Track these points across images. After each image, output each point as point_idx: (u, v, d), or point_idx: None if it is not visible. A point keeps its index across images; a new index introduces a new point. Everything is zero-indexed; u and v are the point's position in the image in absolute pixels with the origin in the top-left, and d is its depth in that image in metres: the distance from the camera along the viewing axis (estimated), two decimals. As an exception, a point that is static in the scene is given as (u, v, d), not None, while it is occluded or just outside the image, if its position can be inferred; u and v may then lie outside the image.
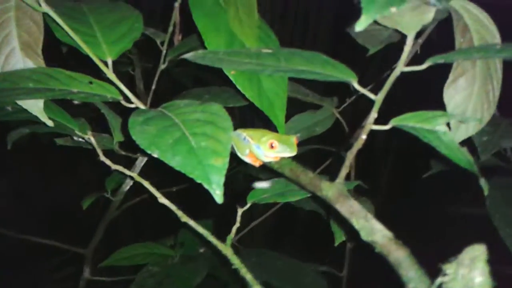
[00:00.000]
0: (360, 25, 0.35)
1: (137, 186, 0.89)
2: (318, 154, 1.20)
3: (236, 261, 0.59)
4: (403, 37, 0.55)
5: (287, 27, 1.94)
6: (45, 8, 0.49)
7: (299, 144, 0.54)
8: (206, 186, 0.41)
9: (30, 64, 0.53)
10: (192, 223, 0.61)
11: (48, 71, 0.52)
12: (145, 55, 1.03)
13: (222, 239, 0.65)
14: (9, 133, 0.68)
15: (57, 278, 1.49)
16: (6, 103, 0.56)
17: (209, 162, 0.43)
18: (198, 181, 0.42)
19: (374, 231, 0.40)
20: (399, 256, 0.37)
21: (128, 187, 0.87)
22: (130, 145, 0.78)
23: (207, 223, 1.18)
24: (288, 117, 0.89)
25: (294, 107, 1.13)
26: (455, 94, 0.56)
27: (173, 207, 0.60)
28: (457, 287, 0.29)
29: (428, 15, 0.46)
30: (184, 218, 0.60)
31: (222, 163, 0.43)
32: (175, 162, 0.43)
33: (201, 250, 1.22)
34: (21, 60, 0.52)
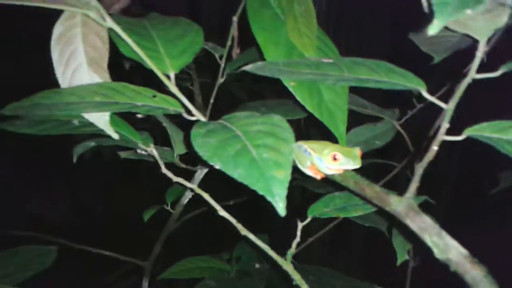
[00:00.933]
0: (433, 29, 0.34)
1: (195, 199, 0.91)
2: (377, 169, 1.16)
3: (297, 277, 0.58)
4: (472, 43, 0.51)
5: (342, 33, 1.94)
6: (110, 23, 0.51)
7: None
8: (269, 198, 0.40)
9: (96, 78, 0.54)
10: (251, 236, 0.60)
11: (114, 85, 0.53)
12: (202, 70, 1.05)
13: (278, 253, 0.64)
14: (74, 147, 0.70)
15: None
16: (73, 116, 0.58)
17: (272, 174, 0.42)
18: (261, 193, 0.41)
19: (449, 249, 0.37)
20: (477, 275, 0.35)
21: (187, 200, 0.88)
22: (189, 158, 0.79)
23: (263, 237, 1.17)
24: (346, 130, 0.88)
25: (352, 119, 1.11)
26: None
27: (232, 220, 0.60)
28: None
29: (502, 18, 0.43)
30: (244, 231, 0.60)
31: (284, 175, 0.42)
32: (237, 174, 0.42)
33: (257, 266, 1.22)
34: (87, 75, 0.54)
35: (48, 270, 0.87)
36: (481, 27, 0.44)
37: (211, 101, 0.84)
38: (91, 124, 0.57)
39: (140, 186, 1.78)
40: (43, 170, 1.85)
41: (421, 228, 0.40)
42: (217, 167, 0.43)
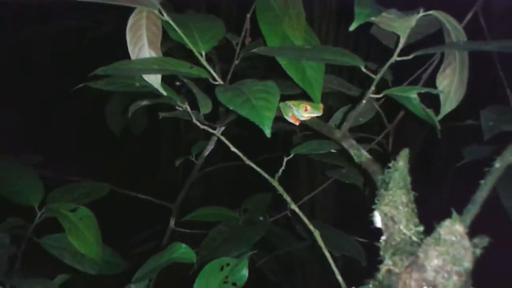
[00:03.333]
0: (352, 27, 0.61)
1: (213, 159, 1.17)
2: (361, 141, 1.43)
3: (285, 195, 0.85)
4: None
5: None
6: (167, 17, 0.79)
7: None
8: (261, 127, 0.68)
9: (153, 54, 0.82)
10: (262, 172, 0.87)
11: (165, 59, 0.81)
12: (222, 57, 1.32)
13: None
14: (130, 105, 0.99)
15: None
16: (136, 80, 0.86)
17: (264, 113, 0.69)
18: (257, 123, 0.68)
19: (362, 155, 0.64)
20: (374, 168, 0.61)
21: (207, 153, 1.16)
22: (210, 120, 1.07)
23: (267, 195, 1.45)
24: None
25: (340, 98, 1.38)
26: (444, 80, 0.79)
27: (253, 164, 0.87)
28: (392, 170, 0.53)
29: (412, 22, 0.69)
30: (248, 161, 0.87)
31: (271, 114, 0.69)
32: (244, 112, 0.70)
33: (261, 218, 1.49)
34: (147, 52, 0.82)
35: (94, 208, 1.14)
36: (399, 27, 0.70)
37: (229, 77, 1.12)
38: (147, 86, 0.85)
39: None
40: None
41: (349, 145, 0.67)
42: (231, 108, 0.70)
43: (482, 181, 0.53)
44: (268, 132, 0.68)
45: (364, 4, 0.64)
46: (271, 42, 0.88)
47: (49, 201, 1.06)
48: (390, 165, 0.54)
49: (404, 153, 0.53)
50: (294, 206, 0.83)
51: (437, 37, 0.86)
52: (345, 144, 0.67)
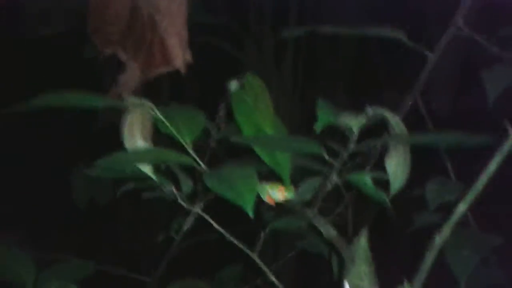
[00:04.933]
0: (317, 130, 0.76)
1: (193, 230, 1.27)
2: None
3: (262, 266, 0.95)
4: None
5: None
6: (159, 115, 0.93)
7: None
8: (245, 209, 0.80)
9: (145, 145, 0.95)
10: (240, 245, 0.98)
11: (157, 150, 0.94)
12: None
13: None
14: (119, 188, 1.10)
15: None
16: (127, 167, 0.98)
17: (246, 196, 0.82)
18: (240, 205, 0.81)
19: (330, 231, 0.78)
20: (340, 244, 0.75)
21: (186, 228, 1.26)
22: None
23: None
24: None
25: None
26: (391, 162, 0.95)
27: (228, 236, 0.98)
28: (355, 246, 0.66)
29: (363, 120, 0.86)
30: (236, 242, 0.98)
31: (252, 196, 0.81)
32: (228, 196, 0.82)
33: (234, 288, 1.57)
34: (141, 143, 0.94)
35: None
36: (353, 124, 0.87)
37: (206, 158, 1.25)
38: (137, 171, 0.97)
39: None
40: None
41: (318, 223, 0.80)
42: (219, 193, 0.83)
43: (427, 252, 0.67)
44: (251, 213, 0.80)
45: (324, 108, 0.80)
46: (247, 131, 1.03)
47: (40, 282, 1.12)
48: (354, 241, 0.67)
49: (364, 232, 0.66)
50: (273, 279, 0.94)
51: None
52: (315, 222, 0.81)
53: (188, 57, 1.64)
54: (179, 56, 1.62)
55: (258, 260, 0.95)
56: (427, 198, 1.22)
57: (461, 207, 0.73)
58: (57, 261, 1.28)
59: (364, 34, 1.22)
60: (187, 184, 1.11)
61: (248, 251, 0.96)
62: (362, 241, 0.64)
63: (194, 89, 2.70)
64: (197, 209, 1.17)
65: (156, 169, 1.02)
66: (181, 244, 1.33)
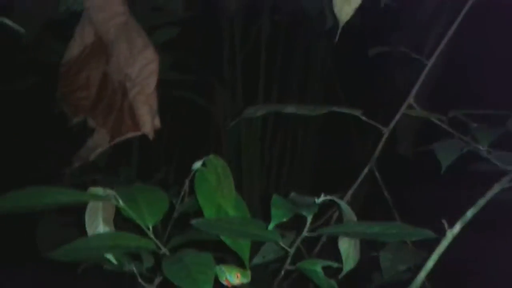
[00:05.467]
0: (270, 227, 0.81)
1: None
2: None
3: None
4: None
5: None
6: (122, 204, 0.96)
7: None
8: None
9: (107, 229, 0.98)
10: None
11: (117, 234, 0.97)
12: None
13: None
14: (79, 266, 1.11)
15: None
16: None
17: (203, 287, 0.86)
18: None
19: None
20: None
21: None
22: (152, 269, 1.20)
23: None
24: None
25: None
26: (344, 244, 1.01)
27: None
28: None
29: (315, 208, 0.91)
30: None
31: (209, 286, 0.85)
32: (185, 286, 0.85)
33: None
34: (102, 228, 0.97)
35: None
36: (305, 210, 0.92)
37: (168, 229, 1.28)
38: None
39: None
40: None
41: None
42: (175, 283, 0.86)
43: None
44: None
45: (278, 205, 0.85)
46: (208, 213, 1.07)
47: None
48: None
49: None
50: None
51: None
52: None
53: (157, 123, 1.70)
54: (148, 122, 1.67)
55: None
56: (382, 266, 1.27)
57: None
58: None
59: (327, 111, 1.30)
60: (149, 260, 1.14)
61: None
62: None
63: (167, 145, 2.75)
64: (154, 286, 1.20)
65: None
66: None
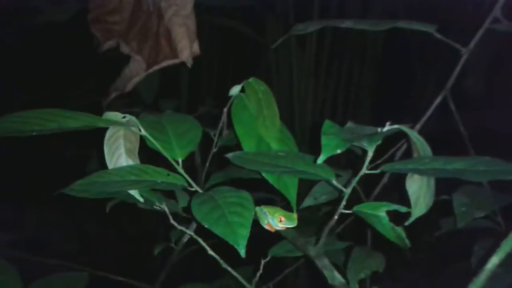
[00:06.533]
0: (320, 161, 0.63)
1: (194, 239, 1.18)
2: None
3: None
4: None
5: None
6: (144, 133, 0.81)
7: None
8: (235, 246, 0.69)
9: (130, 162, 0.84)
10: (231, 270, 0.88)
11: (142, 167, 0.83)
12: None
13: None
14: (109, 202, 1.00)
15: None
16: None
17: (238, 231, 0.71)
18: (231, 243, 0.69)
19: (335, 278, 0.66)
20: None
21: (186, 239, 1.17)
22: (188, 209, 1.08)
23: (248, 269, 1.45)
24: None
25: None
26: (412, 185, 0.82)
27: (217, 257, 0.87)
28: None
29: (379, 139, 0.72)
30: (224, 265, 0.88)
31: (245, 232, 0.71)
32: (218, 231, 0.71)
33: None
34: (125, 160, 0.84)
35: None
36: (367, 143, 0.73)
37: (207, 165, 1.14)
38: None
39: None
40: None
41: (322, 266, 0.68)
42: (205, 226, 0.72)
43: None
44: (243, 252, 0.69)
45: (331, 134, 0.67)
46: (246, 144, 0.91)
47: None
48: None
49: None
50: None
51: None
52: (318, 263, 0.69)
53: (196, 48, 1.52)
54: (186, 47, 1.49)
55: (241, 279, 0.85)
56: (455, 213, 1.07)
57: (494, 260, 0.60)
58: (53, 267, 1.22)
59: (394, 27, 1.07)
60: (183, 198, 1.01)
61: (245, 283, 0.86)
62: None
63: (212, 77, 2.59)
64: (191, 230, 1.08)
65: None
66: (181, 253, 1.24)
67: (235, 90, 0.97)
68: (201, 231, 0.96)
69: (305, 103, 2.77)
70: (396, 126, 0.76)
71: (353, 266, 0.97)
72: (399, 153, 1.36)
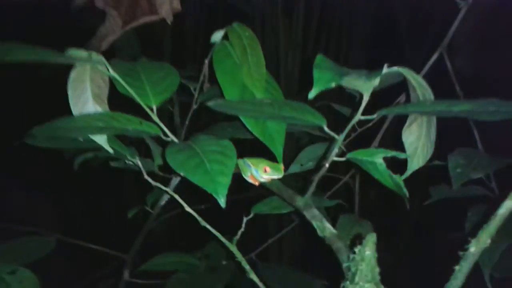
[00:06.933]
0: (311, 95, 0.55)
1: (172, 202, 1.10)
2: (327, 180, 1.38)
3: (239, 256, 0.78)
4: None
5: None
6: (112, 73, 0.72)
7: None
8: (215, 196, 0.62)
9: (99, 109, 0.75)
10: (209, 227, 0.80)
11: (111, 114, 0.74)
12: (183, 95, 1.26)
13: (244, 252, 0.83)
14: (76, 157, 0.91)
15: (98, 277, 1.72)
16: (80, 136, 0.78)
17: (218, 180, 0.63)
18: (209, 192, 0.62)
19: (325, 229, 0.59)
20: (338, 245, 0.56)
21: (164, 202, 1.09)
22: (166, 168, 0.99)
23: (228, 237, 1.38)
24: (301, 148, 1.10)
25: (307, 140, 1.33)
26: (410, 135, 0.75)
27: (199, 218, 0.79)
28: (358, 258, 0.47)
29: (376, 81, 0.65)
30: (203, 223, 0.80)
31: (226, 181, 0.63)
32: (195, 179, 0.63)
33: (224, 262, 1.41)
34: (92, 106, 0.75)
35: (42, 263, 1.04)
36: (363, 86, 0.66)
37: (186, 122, 1.05)
38: (92, 141, 0.78)
39: (124, 193, 1.98)
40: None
41: (311, 217, 0.61)
42: (182, 174, 0.64)
43: (456, 267, 0.48)
44: (222, 202, 0.61)
45: (324, 67, 0.59)
46: (229, 93, 0.82)
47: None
48: (356, 250, 0.48)
49: (371, 239, 0.47)
50: (244, 263, 0.76)
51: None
52: (307, 215, 0.62)
53: (177, 4, 1.42)
54: (166, 2, 1.40)
55: (236, 252, 0.77)
56: (450, 174, 1.01)
57: (507, 205, 0.53)
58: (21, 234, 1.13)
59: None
60: (160, 155, 0.93)
61: (225, 241, 0.78)
62: (367, 254, 0.45)
63: (196, 45, 2.48)
64: (172, 185, 1.00)
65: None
66: (158, 218, 1.16)
67: (217, 36, 0.88)
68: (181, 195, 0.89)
69: (291, 76, 2.68)
70: (395, 68, 0.69)
71: (340, 233, 0.91)
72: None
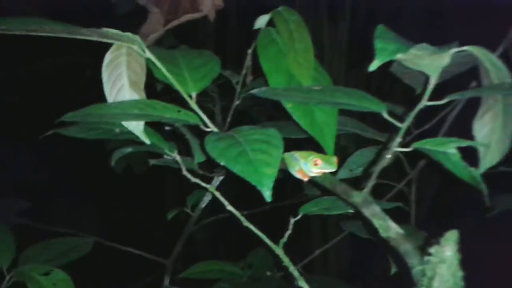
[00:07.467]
0: (372, 67, 0.47)
1: (213, 206, 1.04)
2: (380, 188, 1.28)
3: (286, 260, 0.70)
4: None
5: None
6: (149, 54, 0.67)
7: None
8: (259, 188, 0.54)
9: (135, 96, 0.70)
10: (253, 228, 0.73)
11: (148, 102, 0.69)
12: (224, 95, 1.20)
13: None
14: (113, 153, 0.86)
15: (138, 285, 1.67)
16: (116, 125, 0.73)
17: (262, 171, 0.56)
18: (253, 183, 0.54)
19: (390, 229, 0.50)
20: (408, 247, 0.47)
21: (205, 204, 1.02)
22: (207, 166, 0.93)
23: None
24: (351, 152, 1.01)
25: (357, 142, 1.24)
26: (482, 128, 0.65)
27: (240, 217, 0.72)
28: (435, 260, 0.38)
29: (445, 59, 0.56)
30: (246, 223, 0.73)
31: (272, 171, 0.55)
32: (237, 169, 0.56)
33: (268, 273, 1.33)
34: (128, 93, 0.69)
35: (79, 265, 1.01)
36: (428, 66, 0.57)
37: (228, 119, 0.99)
38: (129, 132, 0.72)
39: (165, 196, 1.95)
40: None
41: (372, 214, 0.52)
42: (222, 163, 0.57)
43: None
44: (268, 195, 0.54)
45: (387, 38, 0.50)
46: (274, 82, 0.75)
47: (21, 262, 0.93)
48: (432, 250, 0.39)
49: (453, 238, 0.38)
50: (292, 269, 0.67)
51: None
52: (366, 212, 0.53)
53: (219, 1, 1.38)
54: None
55: (283, 255, 0.69)
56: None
57: None
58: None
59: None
60: (200, 154, 0.86)
61: (270, 243, 0.70)
62: (448, 255, 0.37)
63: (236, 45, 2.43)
64: (213, 184, 0.93)
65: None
66: (199, 223, 1.09)
67: (261, 21, 0.81)
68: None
69: (335, 83, 2.54)
70: (465, 47, 0.60)
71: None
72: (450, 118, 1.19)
